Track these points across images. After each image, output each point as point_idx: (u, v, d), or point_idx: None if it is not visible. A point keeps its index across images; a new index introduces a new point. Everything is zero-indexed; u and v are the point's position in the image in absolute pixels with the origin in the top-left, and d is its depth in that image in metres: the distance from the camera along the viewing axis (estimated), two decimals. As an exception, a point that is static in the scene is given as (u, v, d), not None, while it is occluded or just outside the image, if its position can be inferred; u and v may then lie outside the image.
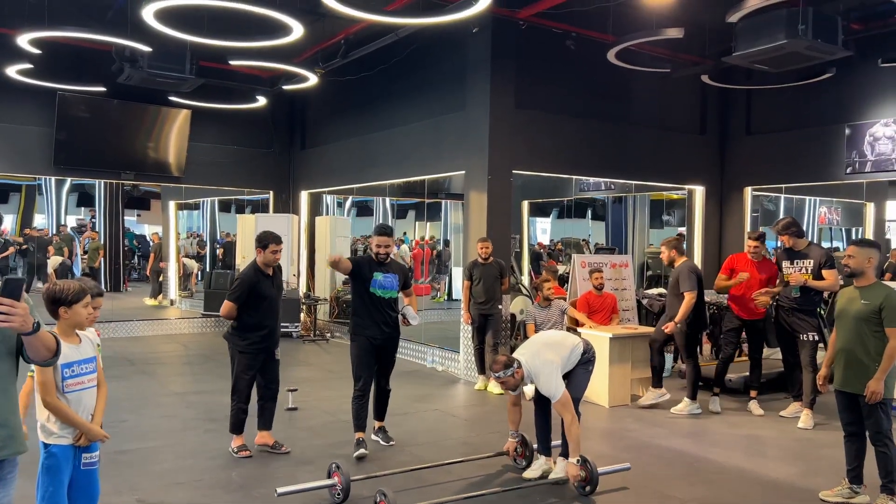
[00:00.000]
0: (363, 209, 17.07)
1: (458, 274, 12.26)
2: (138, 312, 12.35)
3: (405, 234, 17.52)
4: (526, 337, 7.00)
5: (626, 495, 4.62)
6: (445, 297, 15.04)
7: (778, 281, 6.61)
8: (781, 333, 6.57)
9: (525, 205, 13.44)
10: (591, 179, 11.16)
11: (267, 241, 5.25)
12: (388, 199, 15.34)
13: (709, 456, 5.44)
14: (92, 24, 8.18)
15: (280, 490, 4.19)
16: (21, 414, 3.24)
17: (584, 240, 14.91)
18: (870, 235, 10.62)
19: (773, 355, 7.97)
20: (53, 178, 13.33)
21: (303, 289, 12.04)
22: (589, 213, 15.29)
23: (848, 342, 4.36)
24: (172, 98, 10.58)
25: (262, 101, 10.97)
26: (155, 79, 8.49)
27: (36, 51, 8.15)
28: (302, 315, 11.35)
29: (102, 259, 13.88)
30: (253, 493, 4.49)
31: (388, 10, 7.60)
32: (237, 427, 5.29)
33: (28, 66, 8.92)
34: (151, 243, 14.65)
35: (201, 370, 8.69)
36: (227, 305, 5.20)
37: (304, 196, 12.51)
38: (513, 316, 8.67)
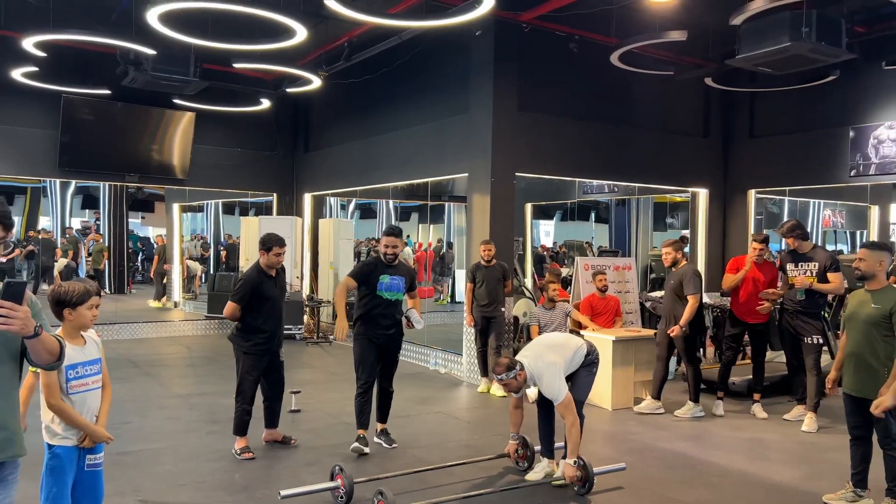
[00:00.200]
0: (366, 212, 17.08)
1: (461, 276, 12.27)
2: (142, 314, 12.38)
3: (409, 236, 17.54)
4: (529, 339, 6.99)
5: (628, 497, 4.61)
6: (448, 300, 15.05)
7: (781, 283, 6.60)
8: (785, 336, 6.55)
9: (528, 207, 13.44)
10: (595, 182, 11.15)
11: (270, 243, 5.29)
12: (391, 202, 15.36)
13: (711, 459, 5.43)
14: (96, 27, 8.21)
15: (283, 492, 4.20)
16: (21, 409, 3.25)
17: (587, 242, 14.89)
18: (874, 238, 10.59)
19: (776, 358, 7.95)
20: (58, 181, 13.34)
21: (306, 291, 12.05)
22: (592, 215, 15.27)
23: (857, 346, 4.33)
24: (176, 101, 10.62)
25: (265, 103, 10.99)
26: (159, 81, 8.52)
27: (41, 54, 8.18)
28: (305, 317, 11.37)
29: (107, 261, 13.93)
30: (256, 495, 4.50)
31: (391, 12, 7.62)
32: (241, 429, 5.30)
33: (33, 69, 8.96)
34: (155, 245, 14.69)
35: (205, 372, 8.70)
36: (230, 306, 5.23)
37: (307, 198, 12.53)
38: (516, 318, 8.67)
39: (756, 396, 6.78)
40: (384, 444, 5.57)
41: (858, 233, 13.47)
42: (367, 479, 4.49)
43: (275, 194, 12.61)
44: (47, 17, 7.86)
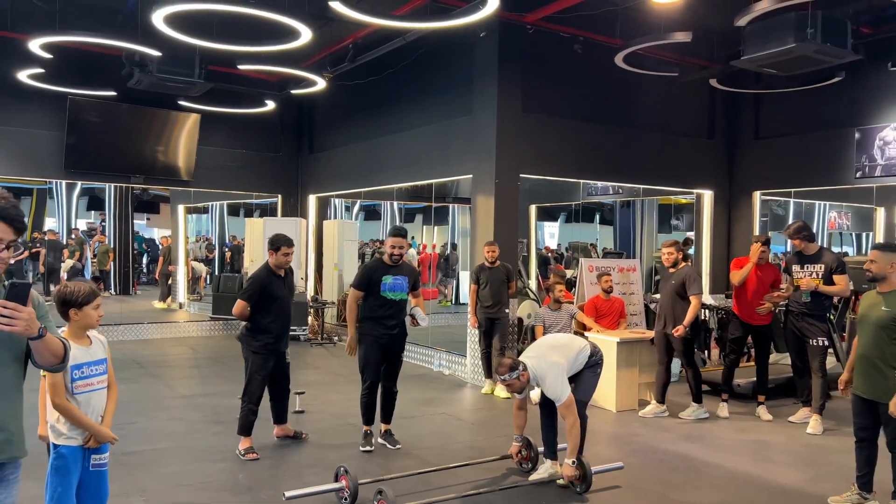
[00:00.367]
0: (371, 213, 17.11)
1: (465, 278, 12.26)
2: (147, 315, 12.41)
3: (413, 238, 17.54)
4: (534, 340, 6.98)
5: (630, 498, 4.60)
6: (452, 301, 15.04)
7: (784, 284, 6.58)
8: (791, 338, 6.52)
9: (533, 209, 13.44)
10: (599, 183, 11.14)
11: (279, 243, 5.37)
12: (395, 203, 15.37)
13: (715, 461, 5.41)
14: (102, 28, 8.24)
15: (288, 493, 4.20)
16: (40, 413, 3.26)
17: (591, 244, 14.88)
18: (880, 240, 10.55)
19: (781, 360, 7.93)
20: (64, 182, 13.40)
21: (310, 292, 12.06)
22: (597, 217, 15.26)
23: (866, 348, 4.32)
24: (182, 102, 10.65)
25: (270, 105, 11.02)
26: (164, 83, 8.55)
27: (47, 55, 8.22)
28: (309, 318, 11.37)
29: (112, 262, 13.97)
30: (260, 496, 4.50)
31: (395, 14, 7.63)
32: (246, 429, 5.32)
33: (39, 70, 9.00)
34: (161, 247, 14.72)
35: (209, 373, 8.72)
36: (239, 304, 5.29)
37: (312, 200, 12.55)
38: (520, 320, 8.66)
39: (761, 398, 6.76)
40: (388, 446, 5.58)
41: (864, 235, 13.43)
42: (371, 481, 4.49)
43: (279, 196, 12.64)
44: (53, 19, 7.89)
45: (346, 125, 11.55)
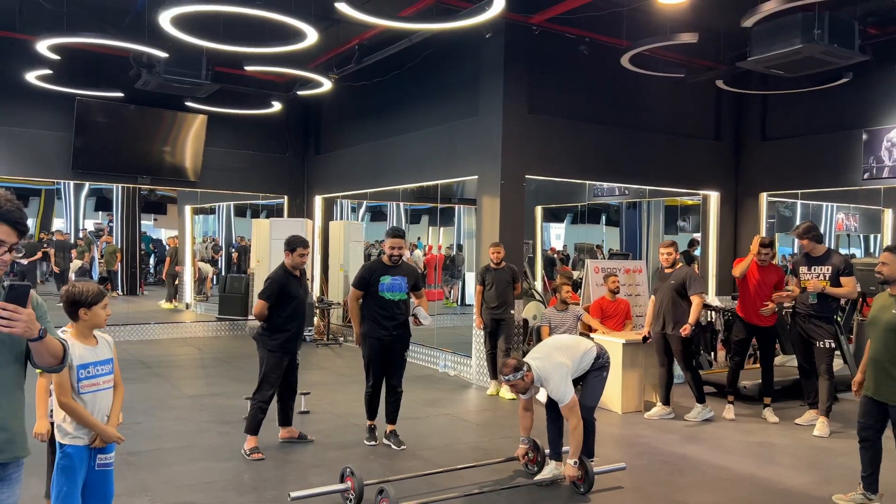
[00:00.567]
0: (377, 214, 17.12)
1: (470, 279, 12.27)
2: (154, 316, 12.45)
3: (419, 238, 17.54)
4: (539, 341, 6.98)
5: (635, 500, 4.59)
6: (458, 302, 15.04)
7: (788, 284, 6.55)
8: (797, 340, 6.50)
9: (538, 210, 13.42)
10: (605, 185, 11.13)
11: (295, 244, 5.49)
12: (401, 205, 15.38)
13: (720, 463, 5.39)
14: (110, 30, 8.29)
15: (294, 494, 4.21)
16: (41, 410, 3.27)
17: (597, 245, 14.86)
18: (888, 242, 10.50)
19: (788, 362, 7.90)
20: (72, 183, 13.48)
21: (316, 293, 12.08)
22: (603, 218, 15.24)
23: (876, 352, 4.30)
24: (188, 103, 10.68)
25: (277, 106, 11.04)
26: (171, 84, 8.58)
27: (55, 57, 8.26)
28: (315, 319, 11.39)
29: (119, 263, 14.04)
30: (265, 496, 4.51)
31: (401, 15, 7.64)
32: (254, 427, 5.36)
33: (47, 71, 9.05)
34: (167, 247, 14.79)
35: (215, 373, 8.74)
36: (259, 304, 5.37)
37: (318, 201, 12.57)
38: (525, 321, 8.65)
39: (767, 400, 6.74)
40: (393, 446, 5.60)
41: (872, 237, 13.36)
42: (376, 482, 4.49)
43: (286, 196, 12.67)
44: (61, 21, 7.94)
45: (353, 126, 11.57)
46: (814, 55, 6.45)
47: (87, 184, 13.49)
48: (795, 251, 11.67)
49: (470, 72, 8.72)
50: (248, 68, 9.18)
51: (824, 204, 11.83)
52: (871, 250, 13.02)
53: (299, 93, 10.42)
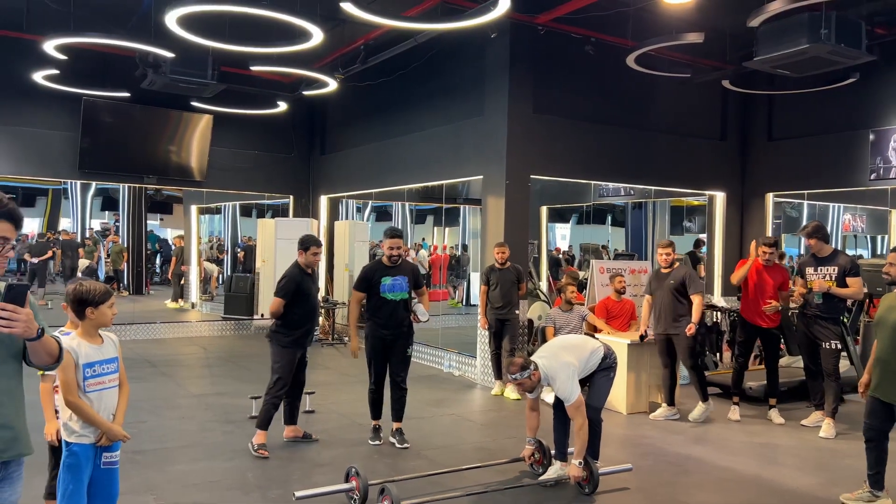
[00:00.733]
0: (382, 214, 17.13)
1: (475, 279, 12.26)
2: (160, 315, 12.48)
3: (424, 239, 17.53)
4: (544, 341, 6.97)
5: (640, 501, 4.58)
6: (463, 303, 15.03)
7: (792, 284, 6.52)
8: (804, 341, 6.47)
9: (544, 210, 13.40)
10: (611, 185, 11.10)
11: (309, 243, 5.58)
12: (406, 205, 15.38)
13: (725, 464, 5.38)
14: (116, 30, 8.32)
15: (298, 493, 4.21)
16: (49, 412, 3.28)
17: (603, 246, 14.83)
18: (895, 243, 10.45)
19: (794, 364, 7.87)
20: (79, 183, 13.52)
21: (321, 293, 12.09)
22: (608, 219, 15.20)
23: (883, 352, 4.28)
24: (194, 103, 10.72)
25: (282, 106, 11.07)
26: (177, 84, 8.61)
27: (62, 57, 8.30)
28: (320, 318, 11.40)
29: (126, 262, 14.09)
30: (269, 495, 4.52)
31: (406, 15, 7.64)
32: (266, 422, 5.40)
33: (54, 71, 9.09)
34: (173, 247, 14.83)
35: (220, 373, 8.76)
36: (276, 301, 5.43)
37: (323, 201, 12.59)
38: (530, 321, 8.64)
39: (772, 401, 6.71)
40: (397, 445, 5.62)
41: (879, 237, 13.30)
42: (381, 482, 4.49)
43: (291, 196, 12.69)
44: (68, 21, 7.97)
45: (358, 126, 11.58)
46: (820, 55, 6.42)
47: (93, 183, 13.53)
48: (802, 252, 11.64)
49: (475, 72, 8.72)
50: (253, 68, 9.20)
51: (831, 204, 11.79)
52: (879, 251, 12.96)
53: (305, 93, 10.44)
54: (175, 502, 4.39)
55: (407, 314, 5.65)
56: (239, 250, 15.66)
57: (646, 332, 6.77)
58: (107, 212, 15.92)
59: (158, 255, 16.98)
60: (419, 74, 9.56)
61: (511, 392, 7.46)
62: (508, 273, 7.58)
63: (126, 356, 3.33)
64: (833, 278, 6.19)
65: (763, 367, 6.93)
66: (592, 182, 10.08)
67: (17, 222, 2.41)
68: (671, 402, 6.72)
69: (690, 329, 6.39)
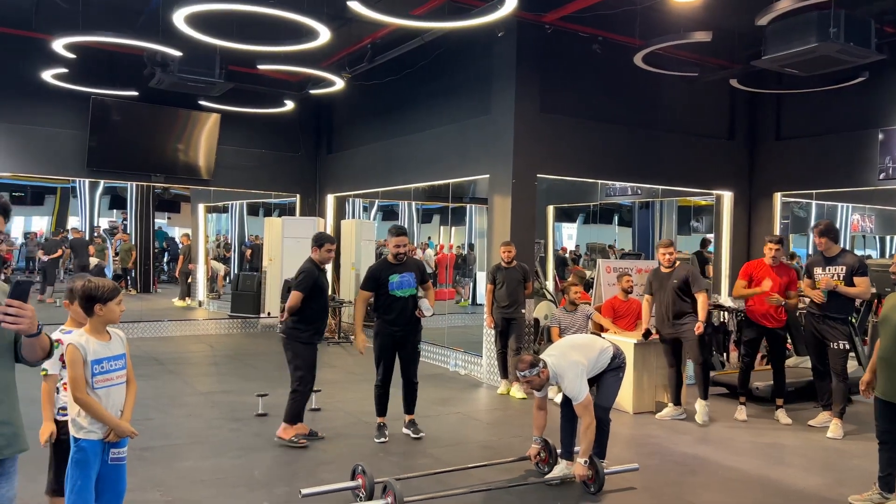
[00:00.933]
0: (389, 213, 17.15)
1: (482, 278, 12.27)
2: (167, 313, 12.53)
3: (429, 238, 17.55)
4: (550, 341, 6.97)
5: (647, 501, 4.57)
6: (470, 302, 15.03)
7: (800, 284, 6.49)
8: (811, 341, 6.44)
9: (550, 210, 13.40)
10: (618, 184, 11.08)
11: (323, 240, 5.68)
12: (413, 204, 15.40)
13: (732, 464, 5.36)
14: (124, 29, 8.35)
15: (305, 491, 4.22)
16: (47, 412, 3.30)
17: (609, 245, 14.81)
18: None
19: (802, 364, 7.84)
20: (87, 181, 13.61)
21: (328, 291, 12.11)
22: (615, 218, 15.19)
23: (887, 351, 4.26)
24: (202, 102, 10.75)
25: (289, 105, 11.09)
26: (185, 83, 8.64)
27: (70, 55, 8.34)
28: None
29: (134, 260, 14.16)
30: (275, 492, 4.53)
31: (414, 14, 7.65)
32: (299, 415, 5.53)
33: (63, 70, 9.14)
34: (181, 245, 14.89)
35: (227, 370, 8.79)
36: (295, 296, 5.47)
37: (330, 199, 12.61)
38: (536, 320, 8.64)
39: (779, 402, 6.69)
40: (412, 435, 5.75)
41: (888, 238, 13.23)
42: (387, 479, 4.50)
43: (298, 195, 12.72)
44: (77, 20, 8.01)
45: (365, 125, 11.59)
46: (829, 54, 6.38)
47: (101, 182, 13.61)
48: (810, 252, 11.58)
49: (482, 71, 8.72)
50: (261, 67, 9.22)
51: (839, 204, 11.74)
52: (888, 251, 12.90)
53: (312, 92, 10.46)
54: (182, 498, 4.40)
55: (415, 309, 5.75)
56: (246, 248, 15.72)
57: (649, 329, 6.74)
58: (115, 210, 16.01)
59: (166, 254, 17.06)
60: (426, 73, 9.56)
61: (517, 391, 7.45)
62: (514, 272, 7.58)
63: (133, 354, 3.34)
64: (841, 278, 6.16)
65: (769, 367, 6.90)
66: (599, 181, 10.08)
67: (6, 214, 2.45)
68: (677, 402, 6.70)
69: (699, 328, 6.37)
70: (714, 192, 10.25)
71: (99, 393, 3.08)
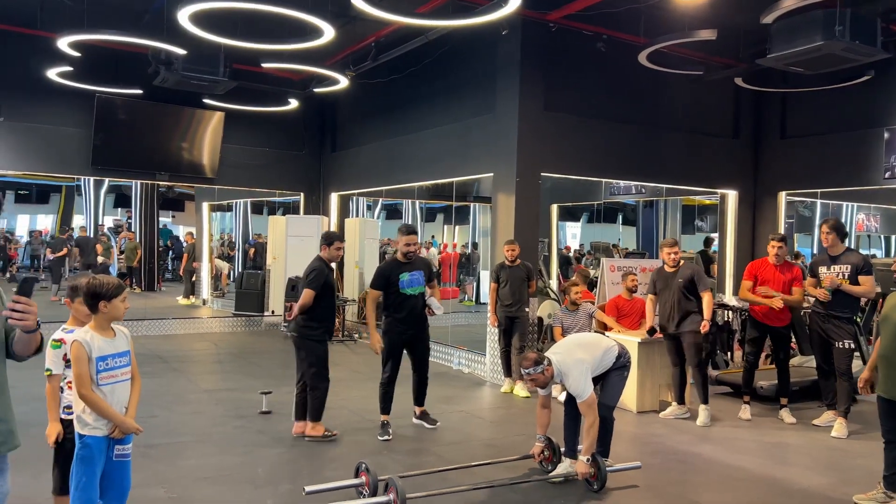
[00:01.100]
0: (392, 212, 17.17)
1: (485, 277, 12.26)
2: (171, 311, 12.57)
3: (433, 237, 17.55)
4: (553, 340, 6.97)
5: (650, 499, 4.57)
6: (474, 301, 15.03)
7: (807, 283, 6.47)
8: (816, 341, 6.42)
9: (554, 208, 13.39)
10: (622, 183, 11.07)
11: (333, 238, 5.76)
12: (417, 202, 15.40)
13: (736, 463, 5.35)
14: (129, 27, 8.37)
15: (308, 488, 4.22)
16: (53, 413, 3.31)
17: (613, 245, 14.79)
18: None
19: (806, 363, 7.82)
20: (92, 179, 13.63)
21: (331, 290, 12.12)
22: (619, 217, 15.17)
23: (887, 349, 4.26)
24: (206, 100, 10.77)
25: (293, 103, 11.10)
26: (189, 81, 8.66)
27: (75, 54, 8.36)
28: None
29: (140, 259, 14.19)
30: (279, 490, 4.54)
31: (418, 12, 7.65)
32: (320, 413, 5.61)
33: (68, 68, 9.16)
34: (185, 244, 14.92)
35: (231, 368, 8.81)
36: (308, 293, 5.52)
37: (333, 198, 12.62)
38: (540, 319, 8.63)
39: (783, 401, 6.67)
40: (426, 426, 5.91)
41: (893, 237, 13.19)
42: (390, 477, 4.50)
43: (302, 194, 12.73)
44: (82, 18, 8.03)
45: (369, 123, 11.60)
46: (835, 52, 6.36)
47: (106, 180, 13.63)
48: (815, 252, 11.55)
49: (486, 69, 8.71)
50: (265, 65, 9.24)
51: (844, 203, 11.70)
52: (892, 251, 12.86)
53: (316, 90, 10.47)
54: (186, 496, 4.41)
55: (424, 307, 5.84)
56: (249, 247, 15.75)
57: (654, 327, 6.72)
58: (119, 209, 16.04)
59: (170, 252, 17.09)
60: (430, 72, 9.56)
61: (520, 389, 7.46)
62: (518, 270, 7.58)
63: (138, 352, 3.35)
64: (846, 276, 6.14)
65: (774, 366, 6.88)
66: (603, 180, 10.06)
67: None
68: (681, 401, 6.69)
69: (705, 327, 6.36)
70: (718, 191, 10.23)
71: (104, 390, 3.09)
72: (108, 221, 15.34)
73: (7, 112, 10.05)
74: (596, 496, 4.56)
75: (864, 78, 8.00)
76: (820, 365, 6.48)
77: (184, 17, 6.57)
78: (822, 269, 6.31)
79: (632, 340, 6.82)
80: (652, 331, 6.74)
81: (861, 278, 6.08)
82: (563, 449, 4.95)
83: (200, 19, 6.81)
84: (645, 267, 8.85)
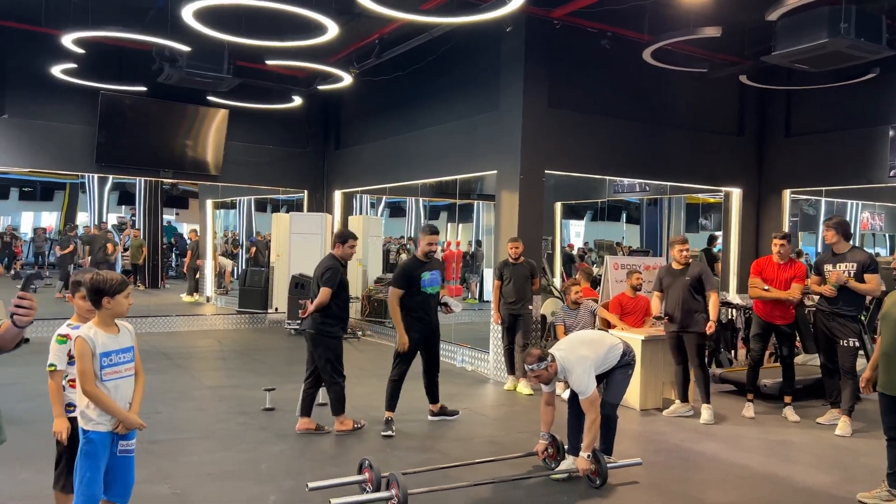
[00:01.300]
0: (396, 210, 17.18)
1: (489, 275, 12.26)
2: (175, 308, 12.59)
3: (437, 234, 17.50)
4: (556, 338, 6.97)
5: (652, 496, 4.56)
6: (477, 299, 15.03)
7: (811, 281, 6.46)
8: (821, 339, 6.41)
9: (558, 206, 13.38)
10: (626, 181, 11.05)
11: (346, 237, 5.85)
12: (420, 200, 15.40)
13: (739, 461, 5.34)
14: (133, 24, 8.38)
15: (311, 484, 4.23)
16: (58, 409, 3.32)
17: (617, 243, 14.78)
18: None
19: (810, 361, 7.80)
20: (96, 176, 13.67)
21: (335, 287, 12.12)
22: (623, 215, 15.15)
23: (889, 346, 4.25)
24: (210, 98, 10.78)
25: (297, 101, 11.10)
26: (193, 78, 8.66)
27: (80, 50, 8.37)
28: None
29: (145, 256, 14.24)
30: (283, 486, 4.54)
31: (422, 9, 7.64)
32: (342, 407, 5.69)
33: (72, 65, 9.18)
34: (189, 241, 14.96)
35: (235, 365, 8.82)
36: (325, 292, 5.61)
37: (337, 195, 12.62)
38: (543, 317, 8.63)
39: (787, 399, 6.65)
40: (448, 418, 6.08)
41: (898, 235, 13.14)
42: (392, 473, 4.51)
43: (306, 191, 12.73)
44: (86, 15, 8.04)
45: (372, 121, 11.59)
46: (840, 50, 6.34)
47: (110, 177, 13.67)
48: (819, 251, 11.52)
49: (490, 66, 8.70)
50: (269, 63, 9.23)
51: (849, 202, 11.67)
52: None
53: (320, 87, 10.46)
54: (189, 492, 4.42)
55: (437, 305, 5.96)
56: (251, 245, 15.77)
57: (666, 313, 6.66)
58: (123, 206, 16.08)
59: (174, 249, 17.13)
60: (434, 69, 9.55)
61: (524, 387, 7.45)
62: (522, 268, 7.57)
63: (142, 348, 3.36)
64: (851, 274, 6.12)
65: (778, 364, 6.87)
66: (607, 178, 10.05)
67: None
68: (685, 399, 6.68)
69: (711, 328, 6.34)
70: (723, 188, 10.20)
71: (108, 385, 3.10)
72: (112, 219, 15.39)
73: (11, 109, 10.07)
74: (598, 493, 4.56)
75: (870, 75, 7.97)
76: (824, 363, 6.47)
77: (188, 14, 6.58)
78: (828, 267, 6.29)
79: (635, 338, 6.81)
80: (662, 317, 6.70)
81: (867, 276, 6.06)
82: (566, 446, 4.95)
83: (204, 16, 6.81)
84: (649, 265, 8.84)
